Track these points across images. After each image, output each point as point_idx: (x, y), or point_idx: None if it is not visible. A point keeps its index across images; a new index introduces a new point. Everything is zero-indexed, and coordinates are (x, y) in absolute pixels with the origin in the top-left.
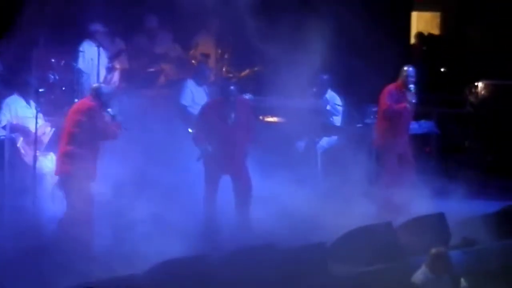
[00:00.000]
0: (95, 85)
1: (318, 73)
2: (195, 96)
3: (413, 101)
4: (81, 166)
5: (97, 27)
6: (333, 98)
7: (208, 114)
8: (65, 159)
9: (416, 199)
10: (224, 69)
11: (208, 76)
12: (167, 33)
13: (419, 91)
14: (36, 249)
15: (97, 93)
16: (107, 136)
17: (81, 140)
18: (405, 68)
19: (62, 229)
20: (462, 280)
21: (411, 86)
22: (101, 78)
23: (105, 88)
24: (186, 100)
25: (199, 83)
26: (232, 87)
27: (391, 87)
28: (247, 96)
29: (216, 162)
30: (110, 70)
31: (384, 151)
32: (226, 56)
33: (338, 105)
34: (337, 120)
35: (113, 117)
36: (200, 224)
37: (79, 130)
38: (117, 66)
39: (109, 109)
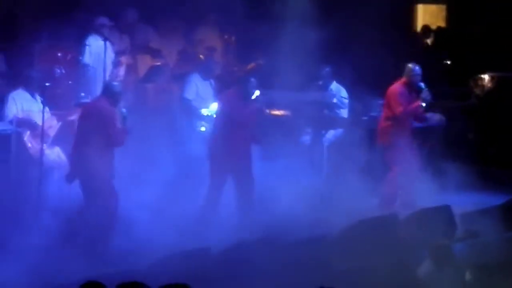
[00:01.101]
0: (107, 82)
1: (321, 65)
2: (200, 90)
3: (429, 98)
4: (99, 167)
5: (103, 21)
6: (339, 91)
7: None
8: (81, 160)
9: (421, 192)
10: (230, 63)
11: (213, 70)
12: (147, 25)
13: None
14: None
15: (110, 91)
16: (114, 143)
17: (94, 143)
18: (411, 66)
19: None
20: (467, 273)
21: (422, 84)
22: (108, 73)
23: (117, 86)
24: (190, 94)
25: (205, 77)
26: (253, 80)
27: (398, 86)
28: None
29: (223, 159)
30: (116, 64)
31: (394, 147)
32: (231, 49)
33: (344, 97)
34: (344, 112)
35: (124, 118)
36: (201, 220)
37: (93, 134)
38: (124, 61)
39: (123, 109)
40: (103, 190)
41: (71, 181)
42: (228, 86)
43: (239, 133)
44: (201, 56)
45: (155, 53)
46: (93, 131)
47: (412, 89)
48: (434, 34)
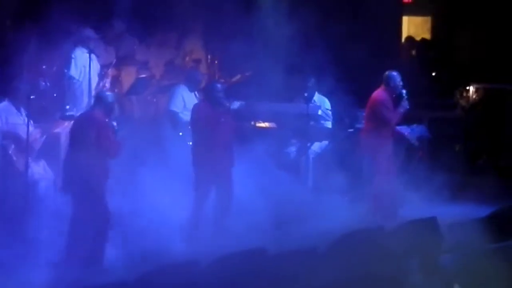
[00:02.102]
0: (100, 93)
1: (307, 77)
2: (186, 102)
3: (407, 107)
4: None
5: (89, 33)
6: (323, 102)
7: (199, 118)
8: (75, 171)
9: (407, 203)
10: (215, 75)
11: (200, 81)
12: (132, 37)
13: (410, 95)
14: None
15: (103, 102)
16: (109, 155)
17: (88, 154)
18: (392, 73)
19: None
20: (456, 285)
21: (404, 91)
22: (93, 85)
23: (111, 97)
24: (176, 106)
25: (191, 88)
26: (219, 90)
27: (382, 94)
28: (235, 103)
29: (206, 170)
30: (102, 77)
31: (376, 155)
32: (216, 62)
33: (328, 109)
34: (328, 124)
35: (115, 131)
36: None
37: (88, 145)
38: (109, 73)
39: (114, 123)
40: (98, 201)
41: (66, 192)
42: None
43: (215, 141)
44: (186, 67)
45: (140, 65)
46: (88, 142)
47: (393, 96)
48: (419, 45)
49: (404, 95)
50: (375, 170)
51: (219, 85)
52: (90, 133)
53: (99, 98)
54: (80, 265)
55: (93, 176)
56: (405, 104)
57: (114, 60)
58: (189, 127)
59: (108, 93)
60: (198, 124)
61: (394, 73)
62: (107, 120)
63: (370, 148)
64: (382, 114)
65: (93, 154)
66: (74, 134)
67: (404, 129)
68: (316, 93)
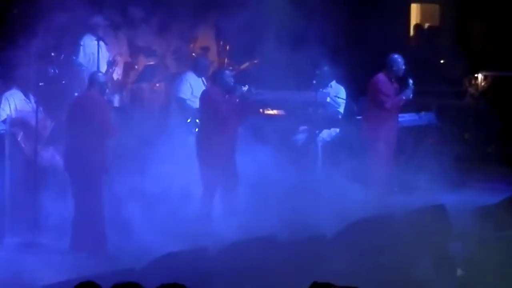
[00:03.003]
0: (92, 73)
1: (318, 65)
2: (193, 89)
3: (410, 97)
4: (89, 161)
5: (97, 20)
6: (337, 90)
7: (208, 103)
8: (70, 154)
9: (416, 190)
10: (225, 62)
11: (207, 68)
12: (150, 27)
13: (418, 83)
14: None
15: (96, 82)
16: (108, 134)
17: (87, 134)
18: (394, 56)
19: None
20: (459, 269)
21: (411, 80)
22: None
23: (102, 76)
24: (184, 93)
25: (198, 75)
26: (229, 76)
27: (381, 77)
28: (244, 88)
29: (214, 156)
30: (112, 64)
31: (376, 140)
32: (226, 49)
33: (341, 97)
34: (338, 112)
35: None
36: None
37: (82, 125)
38: (119, 60)
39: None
40: (94, 183)
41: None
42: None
43: (223, 127)
44: (193, 54)
45: (149, 52)
46: (88, 122)
47: (392, 80)
48: (427, 33)
49: (410, 84)
50: (371, 154)
51: (228, 72)
52: (90, 113)
53: (93, 79)
54: (84, 250)
55: (94, 156)
56: (408, 93)
57: (125, 48)
58: (197, 113)
59: (100, 73)
60: (207, 109)
61: (397, 56)
62: (104, 99)
63: (368, 131)
64: (378, 97)
65: (93, 134)
66: (73, 115)
67: (413, 117)
68: (334, 81)
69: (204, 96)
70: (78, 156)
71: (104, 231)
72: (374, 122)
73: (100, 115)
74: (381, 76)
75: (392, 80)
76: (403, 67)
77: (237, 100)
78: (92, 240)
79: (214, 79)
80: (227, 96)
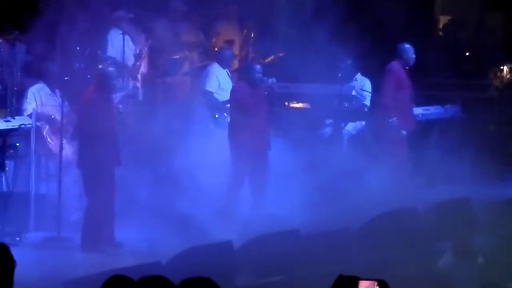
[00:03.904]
0: (101, 69)
1: (342, 58)
2: (220, 81)
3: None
4: (95, 156)
5: (120, 13)
6: (363, 83)
7: (238, 99)
8: (80, 150)
9: (441, 184)
10: (249, 56)
11: (231, 59)
12: (186, 21)
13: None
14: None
15: (99, 78)
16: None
17: (88, 130)
18: (405, 45)
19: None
20: (480, 257)
21: None
22: (130, 65)
23: (108, 71)
24: (211, 86)
25: (223, 66)
26: (258, 66)
27: (393, 65)
28: (271, 81)
29: (244, 151)
30: (138, 57)
31: (387, 130)
32: (250, 42)
33: (366, 90)
34: (364, 105)
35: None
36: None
37: (83, 121)
38: (144, 53)
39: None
40: (103, 179)
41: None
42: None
43: (253, 122)
44: (216, 49)
45: (174, 46)
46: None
47: (408, 69)
48: (451, 26)
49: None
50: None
51: (258, 66)
52: (82, 108)
53: (97, 74)
54: (97, 244)
55: (95, 153)
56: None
57: (149, 41)
58: (228, 107)
59: (109, 69)
60: (237, 104)
61: (407, 45)
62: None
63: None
64: (385, 81)
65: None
66: (79, 114)
67: (438, 109)
68: (359, 73)
69: (232, 93)
70: (88, 152)
71: (112, 227)
72: (391, 111)
73: (80, 111)
74: (393, 64)
75: (406, 68)
76: (414, 56)
77: (265, 93)
78: (101, 236)
79: (242, 73)
80: (254, 90)
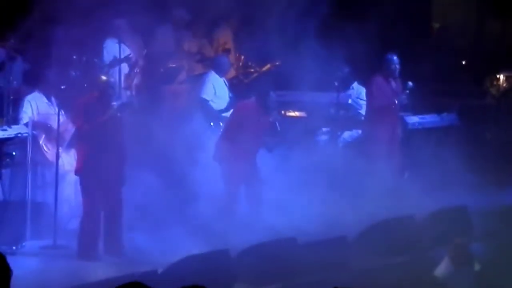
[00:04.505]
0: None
1: (339, 66)
2: (216, 90)
3: (405, 102)
4: (90, 163)
5: (120, 22)
6: (359, 92)
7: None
8: (77, 157)
9: (437, 191)
10: (246, 64)
11: (228, 67)
12: (187, 30)
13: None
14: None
15: (96, 85)
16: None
17: (83, 137)
18: (389, 56)
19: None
20: (476, 264)
21: (410, 83)
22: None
23: (106, 80)
24: (207, 94)
25: (220, 74)
26: (273, 101)
27: (378, 77)
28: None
29: (234, 164)
30: (134, 66)
31: (372, 139)
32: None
33: (362, 99)
34: (360, 113)
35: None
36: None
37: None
38: (141, 62)
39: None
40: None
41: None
42: (245, 92)
43: (250, 141)
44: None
45: (170, 55)
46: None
47: (391, 79)
48: (448, 33)
49: (410, 86)
50: (371, 154)
51: (273, 94)
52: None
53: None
54: (96, 254)
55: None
56: (403, 98)
57: (146, 51)
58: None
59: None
60: (241, 123)
61: (391, 56)
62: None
63: (370, 134)
64: (375, 96)
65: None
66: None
67: (434, 118)
68: (356, 82)
69: (240, 109)
70: (89, 159)
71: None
72: (373, 124)
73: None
74: (376, 76)
75: (389, 80)
76: (398, 66)
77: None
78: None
79: (258, 96)
80: (262, 115)
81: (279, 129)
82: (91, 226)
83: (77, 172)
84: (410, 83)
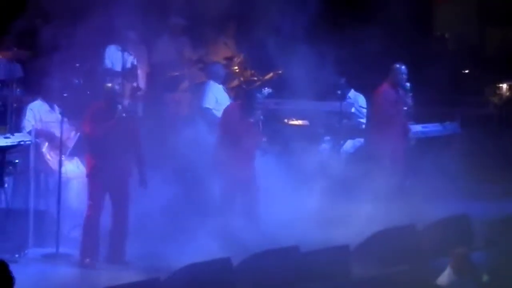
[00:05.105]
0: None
1: (339, 75)
2: (218, 97)
3: (410, 103)
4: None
5: (129, 34)
6: (357, 98)
7: (232, 119)
8: (86, 162)
9: (439, 200)
10: (248, 72)
11: (222, 73)
12: (186, 37)
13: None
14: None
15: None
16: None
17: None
18: (397, 66)
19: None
20: (484, 275)
21: (407, 84)
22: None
23: (110, 88)
24: (209, 103)
25: (217, 82)
26: (258, 94)
27: (385, 87)
28: (266, 91)
29: (229, 171)
30: (135, 74)
31: (377, 149)
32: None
33: (362, 106)
34: (361, 122)
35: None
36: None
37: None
38: (143, 70)
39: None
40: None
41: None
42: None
43: (238, 144)
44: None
45: (172, 63)
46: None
47: (399, 89)
48: (449, 41)
49: (407, 87)
50: (379, 166)
51: (260, 95)
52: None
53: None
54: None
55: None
56: (408, 101)
57: (148, 59)
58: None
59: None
60: (228, 127)
61: (398, 66)
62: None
63: (375, 145)
64: (382, 107)
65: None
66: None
67: (436, 127)
68: (352, 90)
69: (227, 113)
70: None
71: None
72: (380, 134)
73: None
74: (384, 86)
75: (397, 89)
76: (403, 76)
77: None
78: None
79: (244, 98)
80: (245, 116)
81: (261, 128)
82: (91, 231)
83: (87, 176)
84: (407, 84)
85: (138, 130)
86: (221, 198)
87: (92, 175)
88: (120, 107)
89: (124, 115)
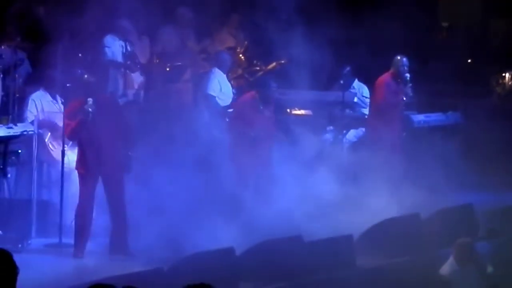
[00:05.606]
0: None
1: (342, 64)
2: (222, 86)
3: (410, 94)
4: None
5: (124, 23)
6: (361, 89)
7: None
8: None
9: (443, 190)
10: (251, 62)
11: (230, 63)
12: (191, 28)
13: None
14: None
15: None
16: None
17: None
18: (399, 57)
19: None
20: (489, 266)
21: (407, 75)
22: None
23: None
24: (214, 90)
25: (223, 70)
26: (273, 85)
27: (387, 77)
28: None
29: (243, 161)
30: (137, 64)
31: (376, 140)
32: (252, 49)
33: (366, 96)
34: (365, 112)
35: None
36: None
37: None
38: (143, 61)
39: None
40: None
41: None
42: (249, 89)
43: (257, 133)
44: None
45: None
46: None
47: (400, 81)
48: (454, 31)
49: (407, 78)
50: (379, 155)
51: (274, 84)
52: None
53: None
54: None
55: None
56: (408, 91)
57: (150, 49)
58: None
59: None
60: (244, 117)
61: (400, 57)
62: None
63: (374, 134)
64: (377, 97)
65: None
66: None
67: (439, 116)
68: (356, 80)
69: (240, 103)
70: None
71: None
72: (378, 121)
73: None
74: (384, 77)
75: (398, 80)
76: (407, 68)
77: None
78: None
79: (257, 87)
80: (262, 108)
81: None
82: (80, 222)
83: (76, 167)
84: (407, 75)
85: (124, 116)
86: (234, 189)
87: (80, 165)
88: (90, 100)
89: (90, 110)
